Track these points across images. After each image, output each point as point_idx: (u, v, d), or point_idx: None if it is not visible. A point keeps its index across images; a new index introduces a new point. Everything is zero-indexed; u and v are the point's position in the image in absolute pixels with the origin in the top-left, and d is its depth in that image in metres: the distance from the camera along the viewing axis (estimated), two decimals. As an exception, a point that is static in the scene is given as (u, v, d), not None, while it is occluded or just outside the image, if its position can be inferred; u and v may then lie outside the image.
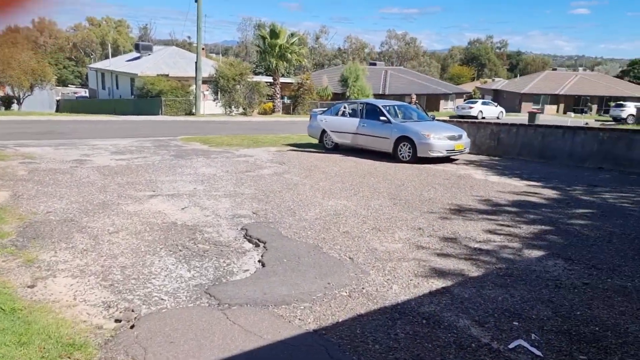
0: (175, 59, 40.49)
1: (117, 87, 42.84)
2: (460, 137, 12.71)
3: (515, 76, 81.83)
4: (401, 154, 12.50)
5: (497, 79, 75.05)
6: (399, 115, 13.64)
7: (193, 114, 31.66)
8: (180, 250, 5.25)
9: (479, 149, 14.11)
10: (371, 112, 13.50)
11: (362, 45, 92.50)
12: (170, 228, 6.11)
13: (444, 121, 15.42)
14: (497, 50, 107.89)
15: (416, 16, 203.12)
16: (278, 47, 33.33)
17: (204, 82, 33.35)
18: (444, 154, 12.27)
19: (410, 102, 16.40)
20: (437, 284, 4.33)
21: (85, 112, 35.08)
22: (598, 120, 40.99)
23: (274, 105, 35.38)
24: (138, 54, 43.09)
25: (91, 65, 50.11)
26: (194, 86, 31.42)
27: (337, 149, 14.19)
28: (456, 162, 12.75)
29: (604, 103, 55.43)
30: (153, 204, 7.36)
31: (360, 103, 13.97)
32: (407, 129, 12.53)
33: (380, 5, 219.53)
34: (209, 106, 33.58)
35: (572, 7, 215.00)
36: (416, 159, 12.22)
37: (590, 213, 7.23)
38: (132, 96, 37.91)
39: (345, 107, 14.47)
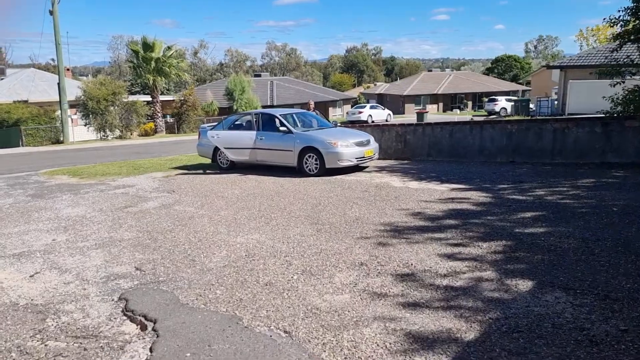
0: (35, 82, 35.73)
1: (-35, 119, 36.84)
2: (368, 142, 11.65)
3: (392, 80, 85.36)
4: (307, 166, 11.14)
5: (378, 84, 77.56)
6: (299, 124, 12.29)
7: (61, 142, 27.88)
8: (14, 360, 3.29)
9: (386, 153, 13.21)
10: (269, 123, 12.00)
11: (243, 58, 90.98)
12: (5, 314, 4.07)
13: (346, 127, 14.39)
14: (373, 57, 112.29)
15: (292, 28, 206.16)
16: (154, 62, 30.49)
17: (73, 105, 29.66)
18: (353, 162, 11.10)
19: (308, 110, 15.15)
20: (428, 364, 2.90)
21: None
22: (477, 115, 43.29)
23: (155, 125, 32.43)
24: (-13, 79, 37.47)
25: None
26: (60, 111, 27.68)
27: (234, 167, 12.48)
28: (367, 170, 11.67)
29: (477, 99, 59.33)
30: (-14, 273, 5.17)
31: (255, 114, 12.39)
32: (312, 139, 11.20)
33: (256, 19, 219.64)
34: (80, 132, 29.88)
35: (434, 13, 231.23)
36: (325, 171, 10.93)
37: (541, 216, 6.32)
38: (-16, 128, 32.68)
39: (238, 120, 12.82)
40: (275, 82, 49.39)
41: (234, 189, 9.70)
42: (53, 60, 74.01)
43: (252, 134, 11.86)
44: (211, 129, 12.61)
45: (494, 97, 48.62)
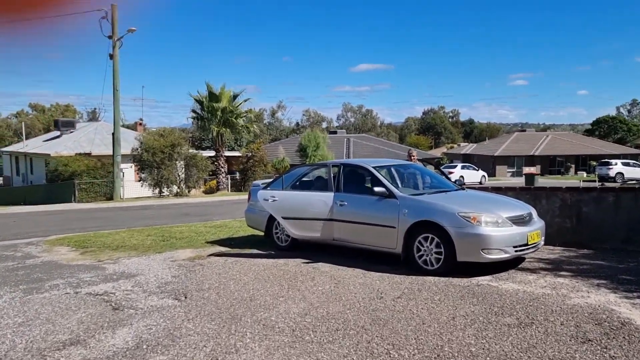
0: (102, 134, 33.93)
1: (32, 172, 35.66)
2: (530, 217, 6.60)
3: (472, 142, 79.49)
4: (422, 256, 6.24)
5: (462, 144, 72.05)
6: (401, 183, 7.50)
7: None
8: None
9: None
10: (354, 180, 7.35)
11: (320, 119, 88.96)
12: None
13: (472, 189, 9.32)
14: (451, 119, 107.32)
15: (367, 93, 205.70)
16: (220, 112, 27.27)
17: (133, 159, 26.90)
18: (510, 254, 6.04)
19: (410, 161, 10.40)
20: None
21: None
22: (587, 180, 36.45)
23: (218, 182, 28.90)
24: (58, 132, 36.40)
25: (4, 149, 42.39)
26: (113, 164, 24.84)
27: (297, 247, 7.82)
28: (524, 265, 6.56)
29: (580, 162, 52.05)
30: None
31: (334, 165, 7.70)
32: (430, 208, 6.33)
33: (333, 85, 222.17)
34: (135, 187, 26.83)
35: (511, 79, 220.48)
36: (453, 266, 5.97)
37: None
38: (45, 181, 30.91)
39: (306, 174, 8.24)
40: (352, 139, 45.44)
41: (290, 302, 4.97)
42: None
43: (327, 197, 7.18)
44: (265, 188, 8.07)
45: (607, 160, 41.71)
